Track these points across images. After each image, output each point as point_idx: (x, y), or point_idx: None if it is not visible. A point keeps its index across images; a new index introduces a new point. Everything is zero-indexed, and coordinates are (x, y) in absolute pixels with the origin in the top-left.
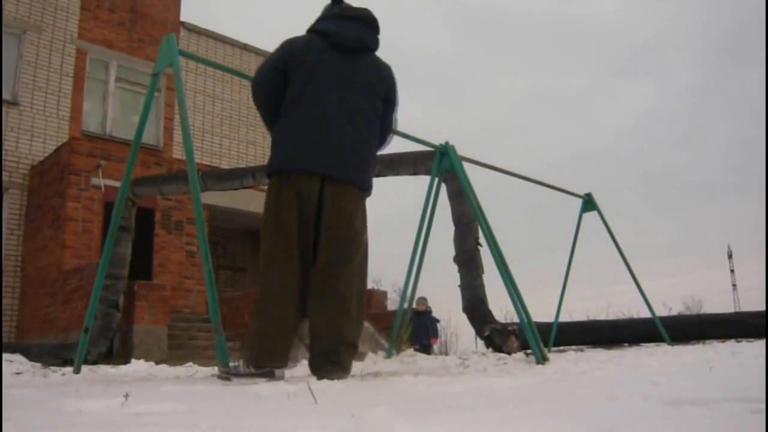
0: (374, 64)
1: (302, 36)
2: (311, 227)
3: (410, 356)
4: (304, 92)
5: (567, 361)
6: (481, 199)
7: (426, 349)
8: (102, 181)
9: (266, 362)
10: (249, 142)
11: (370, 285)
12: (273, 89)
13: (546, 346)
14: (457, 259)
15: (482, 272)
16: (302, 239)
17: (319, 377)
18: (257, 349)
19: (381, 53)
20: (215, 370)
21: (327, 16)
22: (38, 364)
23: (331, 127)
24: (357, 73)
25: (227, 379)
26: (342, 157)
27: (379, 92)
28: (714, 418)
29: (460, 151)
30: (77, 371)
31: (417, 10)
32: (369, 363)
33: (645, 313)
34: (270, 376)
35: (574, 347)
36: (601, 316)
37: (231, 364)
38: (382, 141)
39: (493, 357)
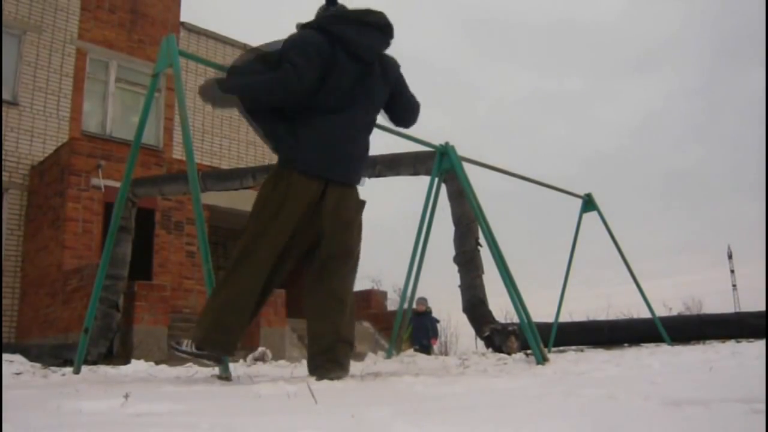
0: (382, 68)
1: (324, 40)
2: (306, 229)
3: (410, 356)
4: (325, 101)
5: (567, 361)
6: (481, 199)
7: (426, 349)
8: (102, 182)
9: (209, 348)
10: (249, 143)
11: (369, 285)
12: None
13: (546, 346)
14: (457, 260)
15: (482, 272)
16: (291, 239)
17: (319, 377)
18: (204, 333)
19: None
20: (215, 370)
21: (345, 18)
22: (38, 365)
23: (343, 136)
24: (368, 83)
25: (227, 379)
26: (348, 165)
27: (384, 98)
28: (714, 418)
29: (461, 151)
30: (77, 371)
31: (418, 11)
32: (369, 363)
33: (645, 313)
34: (216, 360)
35: (574, 347)
36: (601, 316)
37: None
38: (410, 120)
39: (493, 357)
